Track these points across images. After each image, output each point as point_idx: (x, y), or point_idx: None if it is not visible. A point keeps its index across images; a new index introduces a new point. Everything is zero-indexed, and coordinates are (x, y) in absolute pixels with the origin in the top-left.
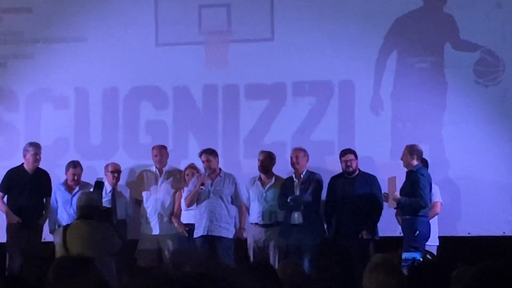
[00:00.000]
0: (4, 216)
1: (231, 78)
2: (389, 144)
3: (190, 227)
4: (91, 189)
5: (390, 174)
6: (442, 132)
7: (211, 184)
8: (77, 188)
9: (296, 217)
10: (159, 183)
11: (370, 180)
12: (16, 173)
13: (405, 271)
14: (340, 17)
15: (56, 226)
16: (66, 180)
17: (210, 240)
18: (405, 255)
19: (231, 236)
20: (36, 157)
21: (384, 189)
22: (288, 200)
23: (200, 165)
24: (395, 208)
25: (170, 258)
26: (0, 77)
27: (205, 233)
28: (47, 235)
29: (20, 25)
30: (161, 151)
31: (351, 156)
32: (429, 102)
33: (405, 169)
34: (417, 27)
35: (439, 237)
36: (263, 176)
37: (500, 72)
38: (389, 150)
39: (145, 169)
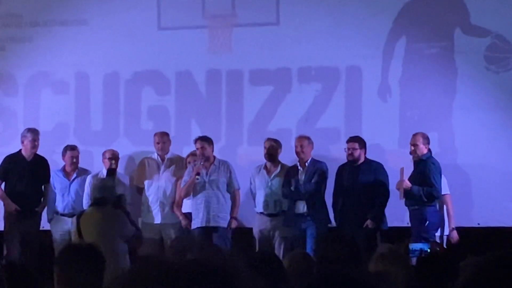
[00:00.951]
0: (1, 203)
1: (235, 63)
2: (397, 131)
3: (190, 217)
4: (104, 176)
5: (398, 162)
6: (452, 119)
7: (206, 174)
8: (75, 175)
9: (301, 206)
10: (161, 170)
11: (376, 168)
12: (13, 159)
13: (413, 262)
14: (347, 0)
15: (53, 215)
16: (64, 166)
17: (208, 231)
18: (412, 246)
19: (224, 224)
20: (34, 143)
21: (391, 177)
22: (292, 189)
23: None
24: (404, 198)
25: (171, 245)
26: None
27: (203, 225)
28: (45, 223)
29: (19, 7)
30: (163, 138)
31: (354, 145)
32: (438, 88)
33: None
34: (427, 12)
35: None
36: (268, 164)
37: (511, 59)
38: (397, 137)
39: (147, 156)
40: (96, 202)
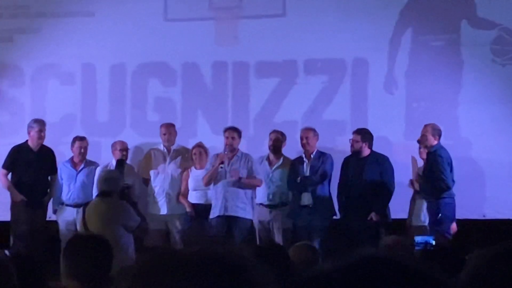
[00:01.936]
0: (8, 194)
1: (241, 55)
2: (403, 124)
3: (197, 208)
4: (113, 167)
5: (404, 154)
6: (458, 112)
7: (228, 164)
8: (82, 165)
9: (306, 198)
10: (167, 162)
11: (381, 160)
12: (20, 150)
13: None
14: None
15: (59, 205)
16: (72, 157)
17: (226, 220)
18: (417, 238)
19: (248, 216)
20: (41, 134)
21: (397, 170)
22: (298, 180)
23: (208, 143)
24: (418, 191)
25: (181, 237)
26: (5, 51)
27: (221, 213)
28: (52, 214)
29: None
30: (169, 129)
31: (356, 137)
32: (444, 81)
33: (418, 150)
34: (434, 4)
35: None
36: (271, 156)
37: None
38: (403, 130)
39: (153, 147)
40: (102, 193)
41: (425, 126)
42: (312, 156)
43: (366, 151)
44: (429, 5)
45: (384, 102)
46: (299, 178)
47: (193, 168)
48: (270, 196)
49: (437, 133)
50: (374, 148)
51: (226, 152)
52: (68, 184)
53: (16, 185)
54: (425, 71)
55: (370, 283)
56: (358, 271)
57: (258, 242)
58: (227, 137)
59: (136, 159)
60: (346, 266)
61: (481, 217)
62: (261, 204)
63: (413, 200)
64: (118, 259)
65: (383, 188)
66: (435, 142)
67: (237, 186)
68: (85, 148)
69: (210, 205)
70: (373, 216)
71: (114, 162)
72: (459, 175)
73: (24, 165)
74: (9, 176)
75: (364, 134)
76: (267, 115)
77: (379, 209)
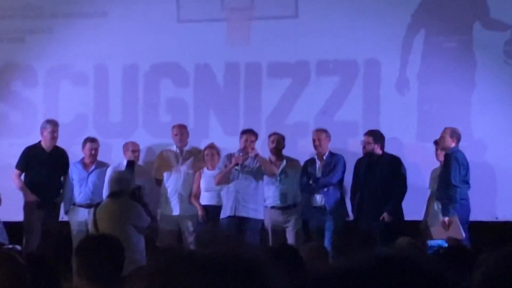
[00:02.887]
0: (21, 194)
1: (253, 56)
2: (415, 125)
3: (209, 209)
4: (123, 168)
5: (416, 155)
6: (470, 113)
7: (241, 165)
8: (93, 167)
9: (318, 199)
10: (179, 162)
11: (393, 161)
12: (33, 150)
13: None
14: None
15: (71, 206)
16: (83, 158)
17: (237, 220)
18: (430, 242)
19: (259, 217)
20: (54, 135)
21: (409, 170)
22: (310, 182)
23: (221, 144)
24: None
25: (194, 238)
26: (18, 52)
27: (232, 214)
28: (64, 215)
29: None
30: (181, 130)
31: (368, 138)
32: (457, 82)
33: (431, 152)
34: (446, 5)
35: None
36: (273, 159)
37: None
38: (415, 131)
39: (166, 148)
40: (113, 193)
41: (446, 128)
42: (324, 157)
43: (378, 152)
44: (442, 6)
45: (396, 103)
46: (311, 180)
47: (205, 169)
48: (281, 198)
49: (456, 136)
50: (386, 149)
51: (241, 154)
52: (79, 185)
53: (29, 185)
54: (437, 73)
55: (384, 283)
56: (372, 271)
57: (271, 244)
58: (245, 140)
59: (148, 160)
60: (359, 266)
61: (494, 219)
62: (272, 207)
63: (430, 201)
64: (128, 259)
65: (395, 189)
66: (453, 145)
67: (248, 187)
68: (96, 150)
69: (221, 206)
70: (385, 216)
71: (125, 163)
72: (472, 176)
73: (37, 165)
74: (22, 176)
75: (376, 135)
76: (279, 116)
77: (391, 209)
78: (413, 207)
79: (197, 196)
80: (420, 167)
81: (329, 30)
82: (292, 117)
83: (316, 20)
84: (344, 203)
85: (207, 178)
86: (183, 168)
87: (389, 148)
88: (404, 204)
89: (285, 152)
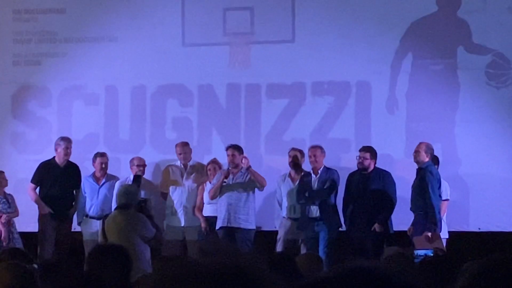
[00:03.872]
0: (36, 206)
1: (253, 78)
2: (403, 142)
3: (212, 220)
4: (130, 183)
5: (405, 170)
6: (455, 131)
7: (233, 178)
8: (104, 180)
9: (313, 210)
10: (184, 177)
11: (384, 176)
12: (48, 166)
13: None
14: (358, 20)
15: (83, 217)
16: (94, 172)
17: (229, 231)
18: (417, 252)
19: (249, 227)
20: (67, 151)
21: (398, 184)
22: (306, 195)
23: (223, 160)
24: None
25: (200, 248)
26: (34, 74)
27: (225, 224)
28: (76, 225)
29: (54, 25)
30: (184, 149)
31: (365, 154)
32: (442, 102)
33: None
34: (432, 31)
35: (449, 232)
36: (292, 173)
37: (511, 75)
38: (403, 148)
39: (171, 163)
40: (120, 206)
41: (420, 143)
42: (319, 171)
43: (372, 167)
44: (428, 32)
45: (385, 121)
46: (307, 193)
47: (208, 182)
48: (295, 210)
49: (430, 151)
50: (377, 165)
51: (229, 168)
52: (91, 197)
53: (44, 198)
54: (424, 93)
55: None
56: (344, 280)
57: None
58: (228, 155)
59: (155, 174)
60: (334, 276)
61: (476, 230)
62: (288, 218)
63: None
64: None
65: (386, 202)
66: (427, 159)
67: (239, 199)
68: (106, 164)
69: None
70: (376, 227)
71: (132, 177)
72: (456, 190)
73: (51, 179)
74: (37, 190)
75: (372, 152)
76: (277, 133)
77: (382, 220)
78: (402, 219)
79: (201, 208)
80: (408, 181)
81: (323, 54)
82: (289, 134)
83: (312, 44)
84: (338, 214)
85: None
86: (187, 182)
87: (380, 163)
88: (393, 216)
89: (282, 166)
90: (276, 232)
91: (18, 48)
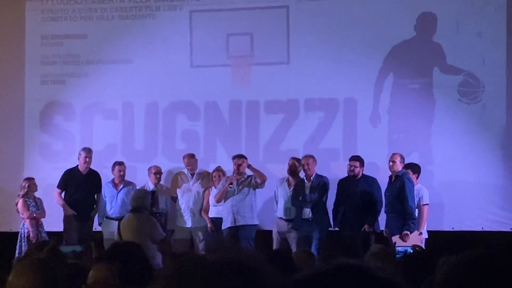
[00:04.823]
0: (61, 209)
1: (253, 95)
2: (386, 152)
3: (216, 221)
4: (149, 188)
5: (386, 177)
6: (430, 142)
7: (237, 184)
8: (121, 186)
9: (307, 212)
10: (191, 183)
11: (370, 181)
12: (71, 173)
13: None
14: (345, 44)
15: (104, 219)
16: (113, 179)
17: (234, 230)
18: (398, 248)
19: (253, 222)
20: (85, 160)
21: (383, 189)
22: (300, 198)
23: (226, 167)
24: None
25: (203, 245)
26: (60, 92)
27: (232, 225)
28: (97, 226)
29: (77, 48)
30: (190, 160)
31: (355, 163)
32: (419, 116)
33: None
34: (411, 53)
35: (428, 231)
36: (290, 178)
37: (480, 92)
38: (386, 157)
39: (180, 171)
40: (134, 209)
41: (394, 154)
42: (312, 178)
43: (360, 174)
44: (407, 54)
45: (370, 133)
46: (301, 197)
47: (213, 188)
48: (288, 211)
49: (403, 161)
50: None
51: (234, 175)
52: (110, 201)
53: (68, 201)
54: (403, 109)
55: (341, 286)
56: (331, 276)
57: (274, 247)
58: (235, 163)
59: (166, 180)
60: (322, 271)
61: (451, 229)
62: (281, 218)
63: None
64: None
65: (374, 205)
66: (401, 168)
67: (243, 202)
68: (124, 171)
69: None
70: (366, 227)
71: (150, 184)
72: (432, 194)
73: (74, 185)
74: (63, 194)
75: (361, 161)
76: (274, 144)
77: (371, 221)
78: (384, 220)
79: (207, 211)
80: None
81: (315, 74)
82: (285, 145)
83: (304, 66)
84: (328, 216)
85: (214, 195)
86: (195, 187)
87: (366, 170)
88: (379, 217)
89: (279, 173)
90: None
91: (46, 69)
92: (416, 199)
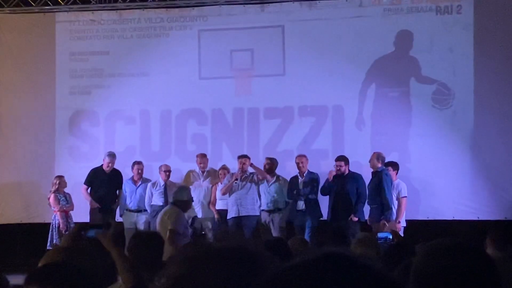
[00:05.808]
0: (87, 202)
1: (254, 103)
2: (369, 151)
3: (222, 213)
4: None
5: (369, 173)
6: (408, 143)
7: (241, 179)
8: (140, 182)
9: (300, 204)
10: (201, 180)
11: (356, 177)
12: (96, 171)
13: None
14: (334, 57)
15: (124, 211)
16: (133, 176)
17: (238, 219)
18: (379, 234)
19: (255, 213)
20: (108, 164)
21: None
22: (294, 192)
23: (230, 165)
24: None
25: (214, 235)
26: (86, 102)
27: (236, 215)
28: (119, 217)
29: (101, 63)
30: (203, 159)
31: (340, 163)
32: (398, 121)
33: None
34: (390, 66)
35: (406, 220)
36: (267, 176)
37: (451, 100)
38: (369, 156)
39: (191, 169)
40: (174, 202)
41: (374, 153)
42: (304, 175)
43: (347, 171)
44: (387, 66)
45: (355, 136)
46: (295, 191)
47: (219, 183)
48: (269, 204)
49: (381, 159)
50: (350, 169)
51: (239, 172)
52: (130, 196)
53: (93, 196)
54: (384, 114)
55: (329, 274)
56: (320, 264)
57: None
58: (240, 162)
59: (179, 178)
60: (311, 260)
61: (426, 218)
62: (263, 210)
63: None
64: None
65: (360, 198)
66: (379, 165)
67: (246, 195)
68: (142, 169)
69: None
70: (353, 217)
71: (160, 180)
72: (409, 187)
73: (99, 182)
74: (89, 190)
75: (346, 160)
76: (272, 145)
77: (357, 212)
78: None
79: (214, 204)
80: None
81: (307, 84)
82: (281, 146)
83: (298, 77)
84: (319, 207)
85: (221, 190)
86: (204, 183)
87: (352, 168)
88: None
89: (277, 170)
90: None
91: (74, 81)
92: (396, 193)
